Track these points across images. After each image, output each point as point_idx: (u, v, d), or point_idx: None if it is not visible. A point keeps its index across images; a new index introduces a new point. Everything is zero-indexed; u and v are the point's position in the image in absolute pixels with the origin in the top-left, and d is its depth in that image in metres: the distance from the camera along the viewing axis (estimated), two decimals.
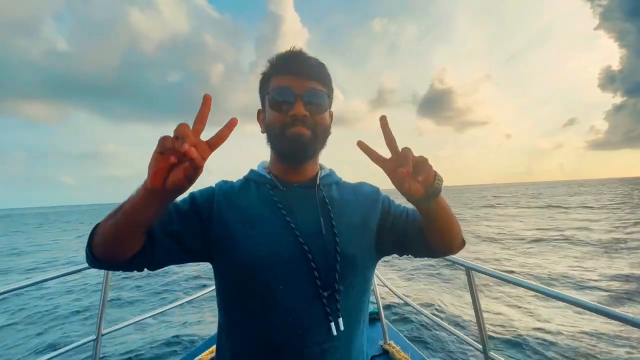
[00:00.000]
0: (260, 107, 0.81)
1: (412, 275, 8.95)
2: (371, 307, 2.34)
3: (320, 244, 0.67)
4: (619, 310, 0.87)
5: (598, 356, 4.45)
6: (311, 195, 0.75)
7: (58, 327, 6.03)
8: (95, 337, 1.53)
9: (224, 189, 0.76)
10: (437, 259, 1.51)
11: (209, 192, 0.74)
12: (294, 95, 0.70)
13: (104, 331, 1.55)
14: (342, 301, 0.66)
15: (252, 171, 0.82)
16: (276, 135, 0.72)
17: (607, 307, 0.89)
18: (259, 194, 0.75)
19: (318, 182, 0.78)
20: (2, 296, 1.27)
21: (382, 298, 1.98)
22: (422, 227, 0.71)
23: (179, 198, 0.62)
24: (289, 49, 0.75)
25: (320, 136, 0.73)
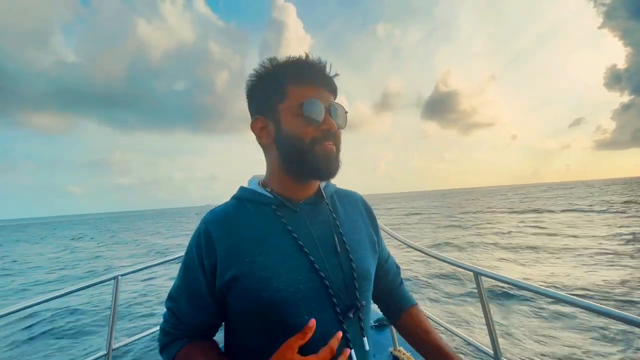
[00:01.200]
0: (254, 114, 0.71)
1: (420, 280, 8.81)
2: (378, 313, 2.30)
3: (336, 263, 0.65)
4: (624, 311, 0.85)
5: None
6: (320, 211, 0.71)
7: (68, 342, 6.01)
8: (106, 352, 1.52)
9: (220, 222, 0.65)
10: (444, 264, 1.49)
11: (207, 242, 0.63)
12: (324, 108, 0.65)
13: (115, 345, 1.54)
14: (364, 319, 0.66)
15: (245, 189, 0.72)
16: (304, 149, 0.64)
17: (618, 310, 0.87)
18: (262, 217, 0.66)
19: (324, 195, 0.74)
20: (11, 316, 1.28)
21: None
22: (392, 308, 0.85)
23: (187, 272, 0.67)
24: (303, 56, 0.67)
25: (339, 151, 0.69)
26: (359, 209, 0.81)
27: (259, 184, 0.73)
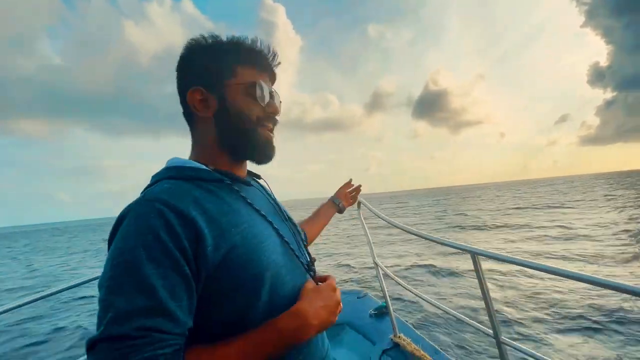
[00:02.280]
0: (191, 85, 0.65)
1: (416, 263, 8.89)
2: (378, 302, 2.29)
3: (289, 230, 0.73)
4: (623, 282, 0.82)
5: (613, 333, 4.37)
6: (258, 186, 0.77)
7: (60, 341, 5.97)
8: None
9: (185, 199, 0.54)
10: (435, 247, 1.50)
11: (181, 222, 0.51)
12: (271, 92, 0.69)
13: None
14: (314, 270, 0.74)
15: (183, 168, 0.62)
16: (247, 128, 0.66)
17: (618, 281, 0.84)
18: (222, 192, 0.61)
19: (255, 173, 0.80)
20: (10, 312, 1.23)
21: (389, 291, 1.93)
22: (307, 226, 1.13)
23: (165, 272, 0.47)
24: (258, 40, 0.68)
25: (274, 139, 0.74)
26: (269, 187, 0.88)
27: (198, 161, 0.65)
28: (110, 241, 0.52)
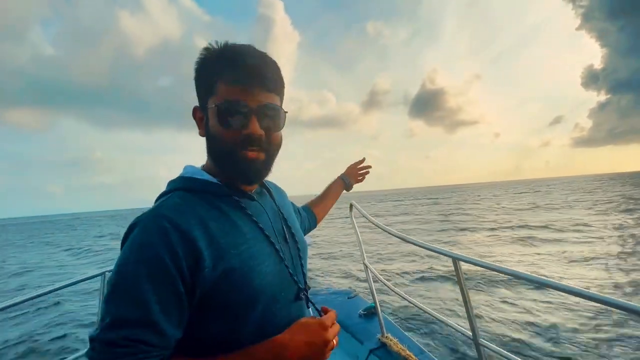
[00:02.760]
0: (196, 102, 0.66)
1: (402, 268, 9.01)
2: (368, 302, 2.35)
3: (288, 251, 0.69)
4: (606, 295, 0.88)
5: (585, 341, 4.56)
6: (267, 200, 0.73)
7: (60, 336, 5.86)
8: None
9: (188, 216, 0.56)
10: (424, 250, 1.57)
11: (182, 239, 0.53)
12: (248, 110, 0.59)
13: None
14: (309, 296, 0.71)
15: (195, 180, 0.63)
16: (225, 155, 0.61)
17: (594, 292, 0.91)
18: (228, 208, 0.62)
19: (267, 186, 0.77)
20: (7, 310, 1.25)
21: (378, 292, 2.00)
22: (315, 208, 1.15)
23: (158, 285, 0.50)
24: (238, 45, 0.61)
25: (273, 155, 0.66)
26: (284, 195, 0.87)
27: (207, 172, 0.66)
28: (122, 244, 0.56)
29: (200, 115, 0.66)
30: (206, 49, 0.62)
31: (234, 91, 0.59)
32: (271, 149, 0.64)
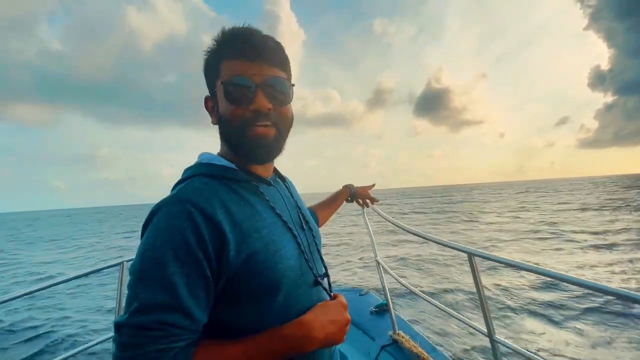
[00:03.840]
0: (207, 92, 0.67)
1: (415, 263, 8.92)
2: (380, 299, 2.33)
3: (305, 238, 0.69)
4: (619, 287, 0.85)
5: (605, 337, 4.40)
6: (283, 188, 0.74)
7: (77, 326, 6.04)
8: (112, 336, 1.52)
9: (212, 200, 0.55)
10: (439, 246, 1.55)
11: (207, 224, 0.52)
12: (254, 84, 0.59)
13: None
14: (329, 282, 0.72)
15: (214, 166, 0.62)
16: (235, 134, 0.60)
17: (612, 287, 0.87)
18: (248, 194, 0.62)
19: (281, 174, 0.77)
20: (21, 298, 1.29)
21: (390, 288, 1.97)
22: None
23: (187, 269, 0.50)
24: (240, 26, 0.62)
25: (284, 131, 0.64)
26: (294, 186, 0.86)
27: (225, 158, 0.65)
28: (143, 231, 0.56)
29: (211, 104, 0.66)
30: (213, 39, 0.63)
31: (237, 67, 0.59)
32: (281, 123, 0.63)
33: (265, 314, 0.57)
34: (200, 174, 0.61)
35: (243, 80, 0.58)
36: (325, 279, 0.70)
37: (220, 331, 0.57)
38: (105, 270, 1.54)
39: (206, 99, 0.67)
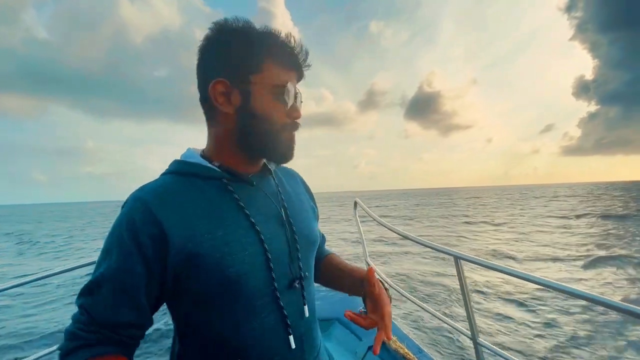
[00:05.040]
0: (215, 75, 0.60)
1: (403, 265, 8.97)
2: None
3: (284, 236, 0.64)
4: (605, 297, 0.86)
5: (584, 341, 4.49)
6: (268, 184, 0.69)
7: (59, 324, 5.90)
8: None
9: (163, 199, 0.55)
10: (425, 249, 1.52)
11: (148, 222, 0.53)
12: (300, 96, 0.64)
13: None
14: (307, 288, 0.66)
15: (185, 163, 0.62)
16: (271, 132, 0.61)
17: (594, 294, 0.89)
18: (213, 191, 0.60)
19: (272, 168, 0.71)
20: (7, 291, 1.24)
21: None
22: (323, 268, 0.83)
23: (116, 262, 0.53)
24: (291, 36, 0.62)
25: None
26: (298, 182, 0.80)
27: (203, 156, 0.64)
28: None
29: (224, 89, 0.59)
30: (234, 25, 0.59)
31: (286, 74, 0.61)
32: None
33: (228, 319, 0.56)
34: (172, 171, 0.62)
35: (293, 89, 0.62)
36: (301, 282, 0.64)
37: (191, 333, 0.59)
38: (79, 269, 1.49)
39: (219, 82, 0.59)
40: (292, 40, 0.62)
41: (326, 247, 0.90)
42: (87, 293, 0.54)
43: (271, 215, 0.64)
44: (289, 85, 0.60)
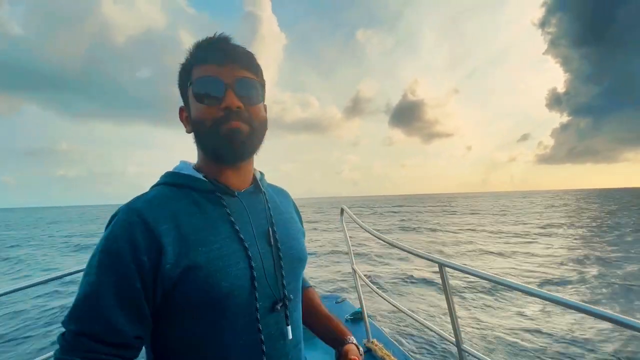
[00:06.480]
0: (181, 103, 0.66)
1: (389, 272, 8.99)
2: (355, 307, 2.32)
3: (270, 255, 0.62)
4: (589, 305, 0.88)
5: (567, 347, 4.58)
6: (258, 201, 0.67)
7: (37, 336, 5.61)
8: None
9: (159, 211, 0.55)
10: (410, 255, 1.51)
11: (145, 235, 0.52)
12: (224, 85, 0.58)
13: None
14: (292, 309, 0.64)
15: (178, 175, 0.62)
16: (208, 133, 0.59)
17: (575, 301, 0.90)
18: (208, 204, 0.59)
19: (261, 186, 0.70)
20: None
21: (366, 297, 1.96)
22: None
23: (114, 278, 0.50)
24: (211, 35, 0.62)
25: (258, 130, 0.62)
26: (289, 202, 0.79)
27: (195, 169, 0.64)
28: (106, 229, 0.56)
29: (185, 114, 0.65)
30: (187, 51, 0.63)
31: (208, 69, 0.59)
32: (254, 123, 0.61)
33: (212, 336, 0.54)
34: (165, 183, 0.62)
35: (212, 79, 0.58)
36: (284, 303, 0.61)
37: (160, 348, 0.56)
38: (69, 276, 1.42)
39: (181, 110, 0.66)
40: (218, 37, 0.62)
41: (306, 279, 0.86)
42: (79, 319, 0.49)
43: (259, 232, 0.63)
44: (200, 79, 0.58)
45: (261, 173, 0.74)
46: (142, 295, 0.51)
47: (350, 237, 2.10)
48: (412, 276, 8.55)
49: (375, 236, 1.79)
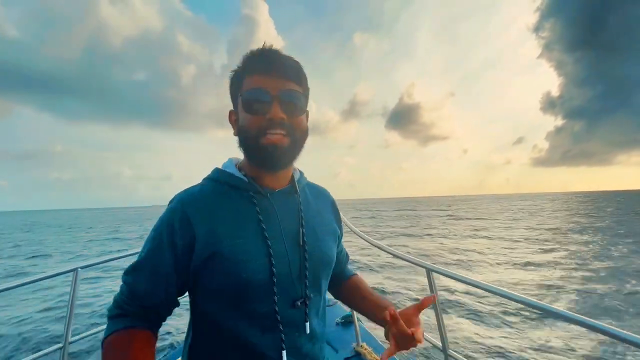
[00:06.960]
0: (231, 107, 0.72)
1: (377, 276, 9.02)
2: (346, 311, 2.32)
3: (297, 256, 0.66)
4: (579, 315, 0.88)
5: (552, 354, 4.65)
6: (291, 201, 0.71)
7: (23, 335, 5.45)
8: (62, 345, 1.40)
9: (197, 204, 0.64)
10: (398, 260, 1.54)
11: (182, 223, 0.62)
12: (270, 96, 0.63)
13: (71, 339, 1.42)
14: (311, 306, 0.68)
15: (223, 172, 0.70)
16: (251, 141, 0.64)
17: (565, 310, 0.92)
18: (240, 202, 0.66)
19: (297, 187, 0.73)
20: None
21: None
22: (342, 284, 0.88)
23: (153, 250, 0.63)
24: (262, 46, 0.66)
25: (298, 141, 0.67)
26: (326, 203, 0.82)
27: (236, 166, 0.71)
28: None
29: (234, 117, 0.71)
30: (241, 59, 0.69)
31: (256, 80, 0.64)
32: (296, 134, 0.66)
33: (236, 319, 0.62)
34: (210, 178, 0.71)
35: (260, 91, 0.63)
36: (305, 301, 0.66)
37: (203, 326, 0.65)
38: (57, 276, 1.41)
39: (230, 113, 0.72)
40: (269, 48, 0.65)
41: (349, 268, 0.93)
42: (130, 272, 0.64)
43: (287, 233, 0.67)
44: (250, 90, 0.64)
45: (300, 172, 0.79)
46: (170, 265, 0.62)
47: (343, 241, 2.12)
48: (402, 279, 8.59)
49: (364, 239, 1.81)
